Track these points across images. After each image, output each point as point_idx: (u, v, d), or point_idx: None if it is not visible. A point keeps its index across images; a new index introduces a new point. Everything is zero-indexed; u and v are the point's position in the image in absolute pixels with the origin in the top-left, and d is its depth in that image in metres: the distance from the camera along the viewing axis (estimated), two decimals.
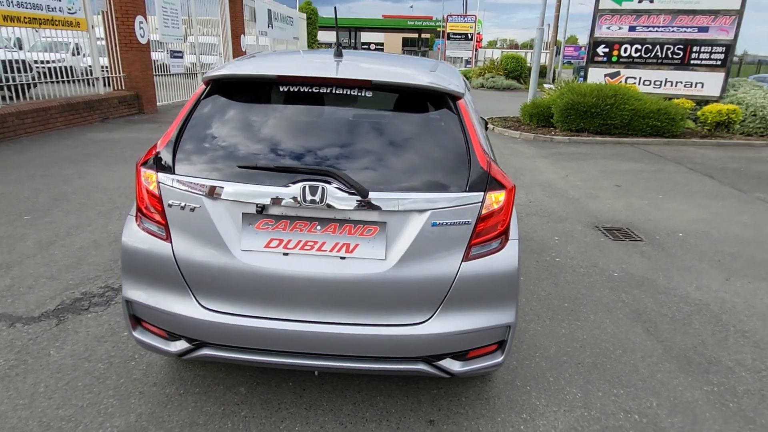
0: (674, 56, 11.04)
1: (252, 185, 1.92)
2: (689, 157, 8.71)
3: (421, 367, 2.07)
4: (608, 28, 11.40)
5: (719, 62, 10.76)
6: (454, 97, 2.12)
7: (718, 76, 10.83)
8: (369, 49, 54.49)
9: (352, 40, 49.72)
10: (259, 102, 2.14)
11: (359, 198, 1.88)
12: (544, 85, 15.29)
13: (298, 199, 1.88)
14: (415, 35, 50.26)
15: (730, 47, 10.63)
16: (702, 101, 10.96)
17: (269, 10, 20.71)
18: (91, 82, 10.18)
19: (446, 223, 1.95)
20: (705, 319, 3.33)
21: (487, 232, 2.01)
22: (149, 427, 2.22)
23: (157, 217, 2.03)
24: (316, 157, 1.98)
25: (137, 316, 2.18)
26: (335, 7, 2.39)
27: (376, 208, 1.90)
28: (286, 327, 2.00)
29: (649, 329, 3.18)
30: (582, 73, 12.35)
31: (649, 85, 11.28)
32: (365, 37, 56.55)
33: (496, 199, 2.00)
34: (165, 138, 2.07)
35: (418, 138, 2.05)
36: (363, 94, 2.06)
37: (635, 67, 11.37)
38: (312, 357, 2.06)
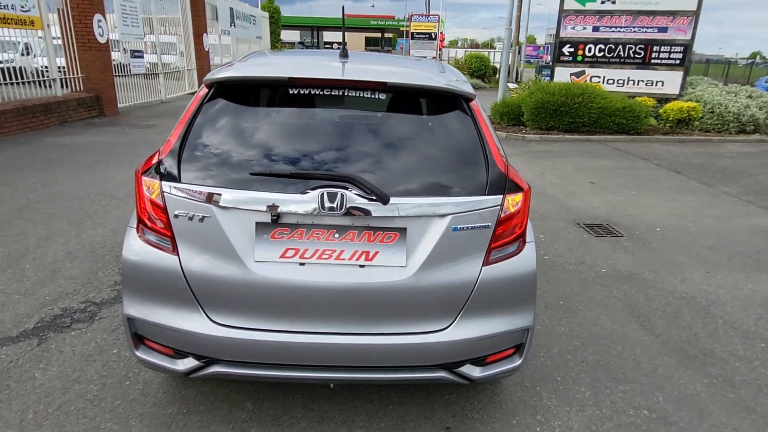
0: (636, 56, 11.41)
1: (266, 193, 1.83)
2: (655, 154, 9.01)
3: (442, 374, 2.03)
4: (573, 28, 11.68)
5: (678, 61, 11.19)
6: (467, 99, 2.09)
7: (677, 75, 11.26)
8: (331, 48, 54.15)
9: (315, 39, 49.27)
10: (267, 105, 2.05)
11: (380, 204, 1.82)
12: (508, 84, 15.53)
13: (317, 206, 1.81)
14: (378, 35, 50.26)
15: (687, 47, 11.07)
16: (662, 99, 11.37)
17: (231, 9, 20.26)
18: (47, 83, 9.68)
19: (467, 228, 1.91)
20: (694, 312, 3.43)
21: (506, 236, 1.99)
22: None
23: (162, 229, 1.92)
24: (332, 162, 1.91)
25: (139, 334, 2.05)
26: (342, 7, 2.32)
27: (397, 214, 1.84)
28: (302, 340, 1.92)
29: (644, 324, 3.25)
30: (544, 72, 12.62)
31: (613, 83, 11.61)
32: (328, 36, 56.17)
33: (514, 201, 1.98)
34: (168, 144, 1.95)
35: (434, 141, 2.01)
36: (377, 97, 2.00)
37: (599, 67, 11.70)
38: (330, 370, 1.99)
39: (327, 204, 1.80)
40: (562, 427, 2.31)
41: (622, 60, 11.49)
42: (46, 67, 9.64)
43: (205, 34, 16.94)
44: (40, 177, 6.00)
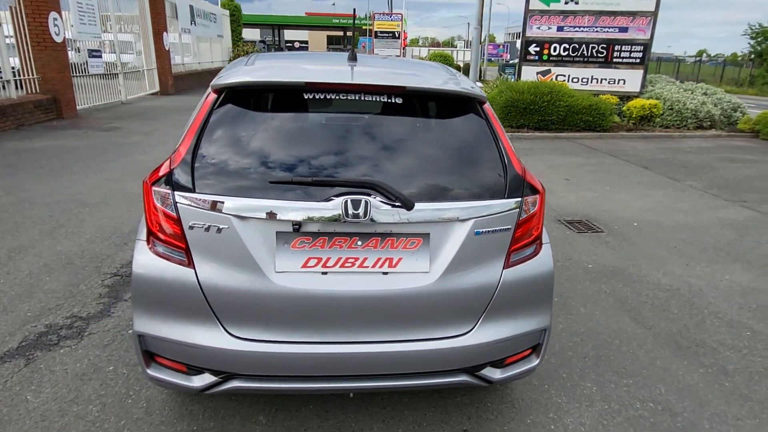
0: (599, 55, 11.76)
1: (288, 201, 1.78)
2: (622, 150, 9.32)
3: (464, 378, 2.03)
4: (538, 28, 11.93)
5: (638, 60, 11.61)
6: (481, 102, 2.09)
7: (638, 73, 11.68)
8: (293, 47, 53.50)
9: (276, 38, 48.54)
10: (282, 110, 1.99)
11: (404, 210, 1.80)
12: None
13: (341, 214, 1.77)
14: (341, 33, 49.96)
15: (647, 46, 11.50)
16: (624, 97, 11.77)
17: (191, 6, 19.70)
18: (1, 85, 9.16)
19: (488, 231, 1.91)
20: (680, 304, 3.56)
21: (525, 238, 2.01)
22: None
23: (176, 241, 1.84)
24: (353, 168, 1.87)
25: (150, 352, 1.96)
26: (354, 9, 2.28)
27: (421, 219, 1.83)
28: (325, 350, 1.89)
29: (636, 318, 3.35)
30: (508, 71, 12.83)
31: (578, 82, 11.94)
32: (289, 34, 55.46)
33: (531, 203, 2.00)
34: (179, 153, 1.87)
35: (452, 145, 2.01)
36: (393, 101, 1.97)
37: (564, 65, 12.00)
38: (351, 379, 1.96)
39: (351, 211, 1.77)
40: (575, 423, 2.36)
41: (585, 59, 11.83)
42: None
43: (165, 33, 16.41)
44: (2, 184, 5.67)
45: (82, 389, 2.46)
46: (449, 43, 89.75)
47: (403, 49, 33.08)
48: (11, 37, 9.48)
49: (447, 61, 26.54)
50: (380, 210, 1.79)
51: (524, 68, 12.19)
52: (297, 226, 1.80)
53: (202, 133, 1.89)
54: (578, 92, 10.75)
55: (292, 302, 1.84)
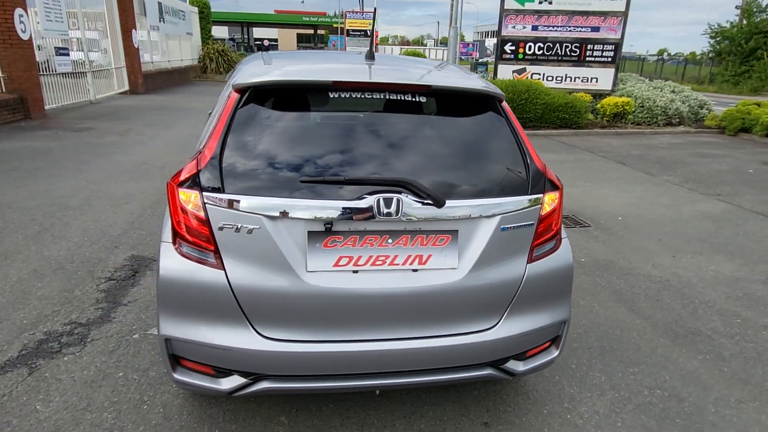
0: (572, 54, 12.04)
1: (320, 200, 1.78)
2: (598, 146, 9.58)
3: (489, 372, 2.07)
4: (513, 27, 12.13)
5: (610, 59, 11.93)
6: (500, 100, 2.13)
7: (610, 72, 12.01)
8: (263, 45, 52.80)
9: (245, 36, 47.83)
10: (307, 110, 1.98)
11: (434, 207, 1.83)
12: None
13: (374, 212, 1.78)
14: (311, 31, 49.62)
15: (618, 45, 11.83)
16: (597, 95, 12.08)
17: (160, 3, 19.21)
18: None
19: (514, 227, 1.95)
20: (672, 294, 3.70)
21: (547, 233, 2.06)
22: None
23: (204, 242, 1.81)
24: (382, 166, 1.88)
25: (176, 355, 1.93)
26: (375, 9, 2.28)
27: (450, 216, 1.85)
28: (356, 348, 1.89)
29: (633, 309, 3.46)
30: (479, 69, 12.99)
31: (552, 80, 12.19)
32: (258, 32, 54.73)
33: (552, 199, 2.05)
34: (205, 154, 1.84)
35: (475, 142, 2.04)
36: (417, 99, 1.99)
37: (539, 64, 12.23)
38: (381, 376, 1.97)
39: (384, 209, 1.78)
40: (589, 411, 2.43)
41: (559, 58, 12.09)
42: None
43: (134, 30, 15.97)
44: None
45: (93, 397, 2.39)
46: (419, 42, 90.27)
47: (376, 47, 33.11)
48: None
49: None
50: (412, 208, 1.81)
51: (500, 67, 12.37)
52: (329, 225, 1.80)
53: (227, 133, 1.86)
54: (553, 90, 10.98)
55: (324, 301, 1.84)
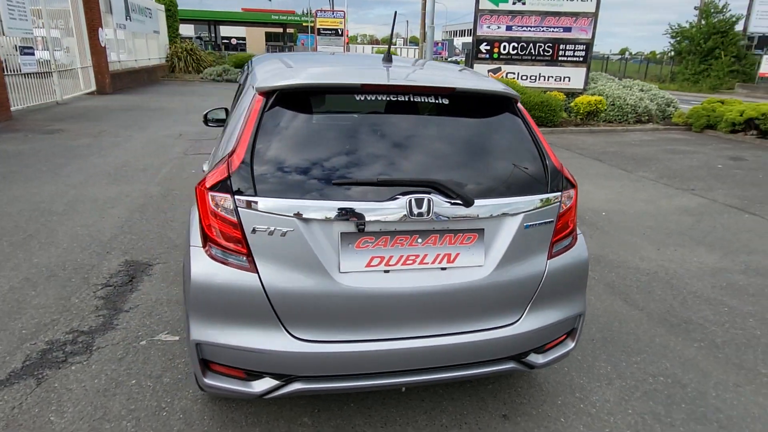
0: (545, 53, 12.30)
1: (353, 202, 1.80)
2: (574, 144, 9.83)
3: (512, 365, 2.13)
4: (488, 27, 12.31)
5: (581, 59, 12.25)
6: (516, 101, 2.19)
7: (582, 71, 12.33)
8: (230, 43, 51.93)
9: (212, 34, 46.91)
10: (335, 112, 1.99)
11: (462, 206, 1.87)
12: None
13: (406, 213, 1.81)
14: (280, 30, 49.03)
15: (589, 45, 12.16)
16: (570, 93, 12.39)
17: (126, 1, 18.70)
18: None
19: (536, 224, 2.02)
20: (661, 286, 3.85)
21: (564, 229, 2.13)
22: None
23: (237, 246, 1.81)
24: (411, 167, 1.92)
25: (206, 360, 1.92)
26: (395, 12, 2.31)
27: (478, 215, 1.90)
28: (387, 347, 1.92)
29: (627, 300, 3.59)
30: None
31: (526, 79, 12.43)
32: (225, 31, 53.75)
33: (568, 196, 2.12)
34: (235, 158, 1.83)
35: (496, 142, 2.09)
36: (440, 101, 2.03)
37: (514, 64, 12.46)
38: (410, 373, 2.01)
39: (415, 210, 1.82)
40: (601, 400, 2.52)
41: (533, 57, 12.34)
42: None
43: (100, 29, 15.49)
44: None
45: (108, 405, 2.35)
46: (386, 41, 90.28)
47: (348, 46, 33.03)
48: None
49: None
50: (442, 207, 1.85)
51: (476, 66, 12.53)
52: (362, 226, 1.82)
53: (256, 136, 1.86)
54: (529, 89, 11.21)
55: (357, 302, 1.86)
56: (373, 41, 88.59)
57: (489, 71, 12.53)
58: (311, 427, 2.27)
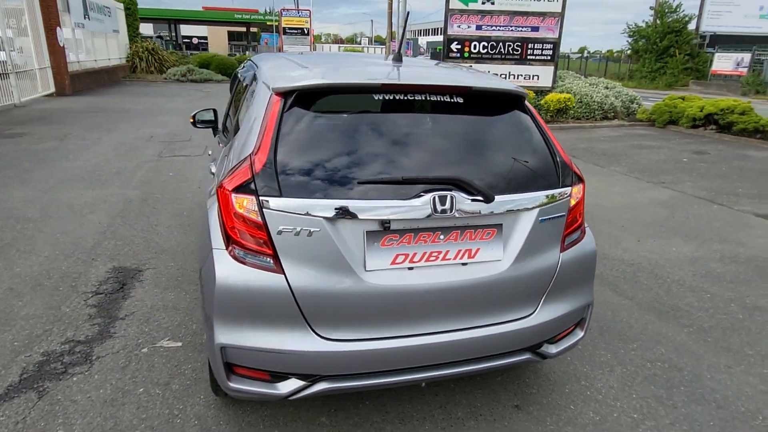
0: (514, 52, 12.54)
1: (379, 200, 1.82)
2: None
3: (527, 356, 2.19)
4: (459, 26, 12.46)
5: (549, 57, 12.54)
6: (524, 99, 2.25)
7: (549, 70, 12.62)
8: (191, 43, 50.79)
9: (173, 34, 45.75)
10: (354, 112, 1.99)
11: (483, 203, 1.91)
12: None
13: (430, 210, 1.84)
14: (243, 29, 48.26)
15: (556, 44, 12.46)
16: (539, 92, 12.67)
17: None
18: None
19: (549, 218, 2.08)
20: (646, 276, 4.01)
21: (574, 223, 2.20)
22: None
23: (262, 248, 1.80)
24: (431, 165, 1.95)
25: (230, 363, 1.90)
26: (408, 12, 2.32)
27: (497, 211, 1.95)
28: (411, 343, 1.95)
29: (617, 290, 3.73)
30: None
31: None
32: (186, 30, 52.54)
33: (577, 191, 2.20)
34: (258, 159, 1.82)
35: (510, 139, 2.14)
36: (455, 100, 2.07)
37: (484, 62, 12.63)
38: (432, 368, 2.03)
39: (439, 207, 1.84)
40: (605, 387, 2.62)
41: (503, 56, 12.55)
42: None
43: (58, 28, 14.90)
44: None
45: (119, 416, 2.29)
46: (353, 40, 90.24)
47: (314, 45, 32.79)
48: None
49: None
50: (464, 204, 1.88)
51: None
52: (387, 224, 1.84)
53: (277, 137, 1.85)
54: None
55: (382, 299, 1.88)
56: (338, 40, 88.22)
57: None
58: (330, 426, 2.27)
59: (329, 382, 1.92)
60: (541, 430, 2.30)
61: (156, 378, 2.55)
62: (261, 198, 1.77)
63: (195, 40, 52.90)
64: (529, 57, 12.57)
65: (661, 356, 2.90)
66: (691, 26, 27.83)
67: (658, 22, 28.00)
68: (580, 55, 48.68)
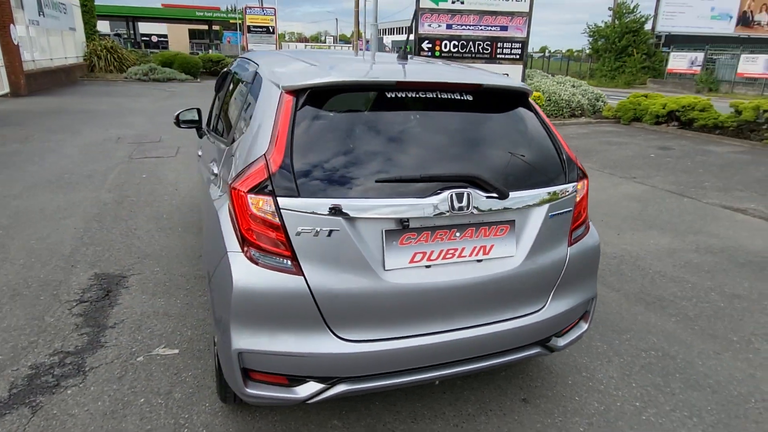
0: (484, 51, 12.71)
1: (398, 198, 1.81)
2: None
3: (538, 350, 2.22)
4: (429, 25, 12.53)
5: (518, 56, 12.77)
6: (528, 96, 2.28)
7: (518, 68, 12.83)
8: (150, 41, 49.36)
9: (131, 31, 44.30)
10: (367, 110, 1.97)
11: (498, 199, 1.93)
12: None
13: (448, 207, 1.84)
14: (205, 27, 47.19)
15: (524, 43, 12.70)
16: None
17: None
18: None
19: (558, 214, 2.12)
20: (630, 268, 4.14)
21: (579, 217, 2.25)
22: None
23: (280, 249, 1.76)
24: (444, 162, 1.95)
25: (246, 369, 1.85)
26: (416, 10, 2.30)
27: (511, 207, 1.97)
28: (429, 341, 1.94)
29: (604, 283, 3.83)
30: None
31: None
32: (144, 27, 51.03)
33: (582, 186, 2.24)
34: (274, 159, 1.78)
35: (517, 136, 2.17)
36: (465, 98, 2.08)
37: (455, 61, 12.76)
38: (449, 366, 2.04)
39: (456, 204, 1.85)
40: (606, 377, 2.68)
41: (473, 55, 12.70)
42: None
43: (12, 25, 14.21)
44: None
45: (122, 428, 2.20)
46: (317, 39, 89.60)
47: (279, 44, 32.34)
48: None
49: None
50: (480, 201, 1.89)
51: None
52: (406, 222, 1.83)
53: (292, 136, 1.82)
54: None
55: (401, 298, 1.87)
56: (302, 39, 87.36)
57: None
58: (342, 428, 2.25)
59: (348, 383, 1.90)
60: (551, 422, 2.34)
61: (156, 387, 2.47)
62: (278, 199, 1.74)
63: (154, 39, 51.47)
64: (498, 56, 12.76)
65: (654, 345, 3.00)
66: (648, 26, 28.87)
67: (616, 22, 28.92)
68: (542, 54, 49.77)
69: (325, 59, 2.39)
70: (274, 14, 30.06)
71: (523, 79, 12.86)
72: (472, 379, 2.61)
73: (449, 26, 12.53)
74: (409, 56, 2.49)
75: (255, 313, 1.78)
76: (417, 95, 1.99)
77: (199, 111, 3.78)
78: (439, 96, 2.04)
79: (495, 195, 1.91)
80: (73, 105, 12.84)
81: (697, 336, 3.13)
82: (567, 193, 2.14)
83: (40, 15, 17.51)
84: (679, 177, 7.23)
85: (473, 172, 1.91)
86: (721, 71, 24.43)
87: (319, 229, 1.75)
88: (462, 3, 12.36)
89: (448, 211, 1.84)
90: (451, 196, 1.84)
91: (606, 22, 29.95)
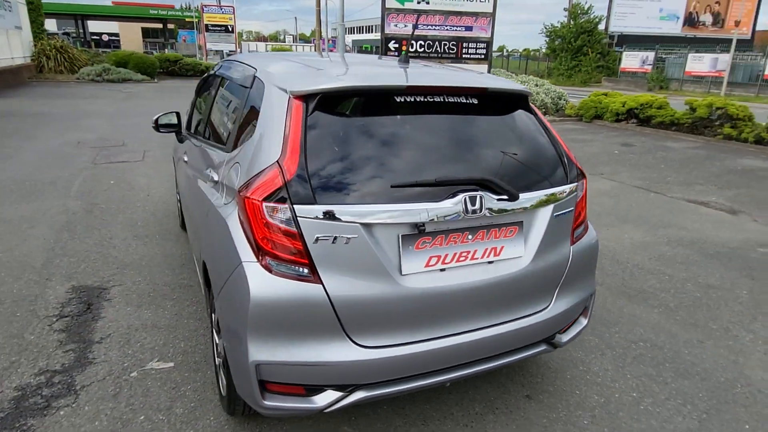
0: (450, 51, 12.86)
1: (414, 203, 1.80)
2: None
3: (543, 347, 2.27)
4: (396, 25, 12.57)
5: (483, 56, 12.98)
6: (528, 98, 2.32)
7: (484, 68, 13.05)
8: (101, 40, 47.48)
9: (80, 30, 42.48)
10: (378, 114, 1.96)
11: (509, 201, 1.95)
12: None
13: (461, 211, 1.85)
14: (159, 26, 45.76)
15: (489, 43, 12.92)
16: None
17: None
18: None
19: (562, 213, 2.17)
20: (610, 262, 4.28)
21: (579, 216, 2.31)
22: None
23: (298, 257, 1.73)
24: (457, 165, 1.96)
25: (263, 380, 1.81)
26: (417, 15, 2.29)
27: (520, 208, 2.00)
28: (444, 344, 1.96)
29: None
30: None
31: None
32: (94, 26, 49.01)
33: (582, 186, 2.30)
34: (288, 166, 1.74)
35: (522, 138, 2.20)
36: (470, 101, 2.09)
37: (422, 61, 12.85)
38: (462, 367, 2.06)
39: (470, 207, 1.86)
40: (602, 369, 2.77)
41: (440, 55, 12.83)
42: None
43: None
44: None
45: None
46: (275, 38, 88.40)
47: (239, 44, 31.70)
48: None
49: None
50: (491, 203, 1.92)
51: None
52: (422, 227, 1.83)
53: (305, 142, 1.79)
54: None
55: (418, 303, 1.87)
56: (260, 38, 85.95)
57: None
58: None
59: (366, 390, 1.89)
60: (556, 417, 2.39)
61: (155, 403, 2.38)
62: (295, 206, 1.70)
63: (105, 37, 49.51)
64: (464, 56, 12.93)
65: (641, 336, 3.11)
66: (602, 27, 29.90)
67: (571, 22, 29.81)
68: (500, 53, 50.70)
69: (326, 63, 2.37)
70: (233, 13, 29.48)
71: None
72: (475, 378, 2.64)
73: (415, 26, 12.60)
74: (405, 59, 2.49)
75: (273, 323, 1.74)
76: (425, 99, 2.00)
77: (178, 114, 3.67)
78: (446, 99, 2.05)
79: (505, 197, 1.94)
80: (24, 108, 12.21)
81: (680, 326, 3.26)
82: (570, 193, 2.19)
83: None
84: (643, 173, 7.53)
85: (485, 175, 1.93)
86: (670, 70, 25.59)
87: (336, 237, 1.73)
88: (427, 3, 12.44)
89: (462, 214, 1.85)
90: (465, 199, 1.86)
91: (562, 23, 30.83)
